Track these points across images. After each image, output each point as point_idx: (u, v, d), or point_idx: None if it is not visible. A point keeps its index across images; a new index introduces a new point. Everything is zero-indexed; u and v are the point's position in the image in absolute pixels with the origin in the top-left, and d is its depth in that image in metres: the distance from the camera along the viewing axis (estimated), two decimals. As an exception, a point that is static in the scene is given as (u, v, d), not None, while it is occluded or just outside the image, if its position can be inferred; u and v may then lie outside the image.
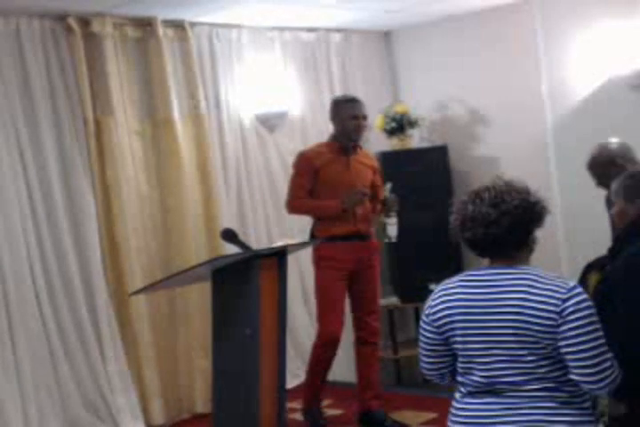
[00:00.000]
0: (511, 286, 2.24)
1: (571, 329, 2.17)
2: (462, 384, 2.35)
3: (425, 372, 2.49)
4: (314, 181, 4.46)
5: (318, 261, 4.50)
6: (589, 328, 2.18)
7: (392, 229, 4.55)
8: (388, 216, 4.55)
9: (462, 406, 2.33)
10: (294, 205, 4.55)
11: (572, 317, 2.17)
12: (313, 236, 4.53)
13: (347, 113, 4.49)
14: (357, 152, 4.58)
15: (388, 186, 4.56)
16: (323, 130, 5.70)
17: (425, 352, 2.43)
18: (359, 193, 4.41)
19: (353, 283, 4.52)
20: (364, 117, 4.54)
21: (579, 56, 5.42)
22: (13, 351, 4.41)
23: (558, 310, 2.17)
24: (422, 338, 2.41)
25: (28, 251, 4.51)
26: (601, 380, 2.19)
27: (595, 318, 2.20)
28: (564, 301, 2.18)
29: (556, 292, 2.19)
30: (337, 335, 4.45)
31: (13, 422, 4.35)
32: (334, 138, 4.57)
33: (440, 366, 2.43)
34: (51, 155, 4.65)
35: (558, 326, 2.17)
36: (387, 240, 4.62)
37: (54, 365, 4.56)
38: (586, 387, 2.22)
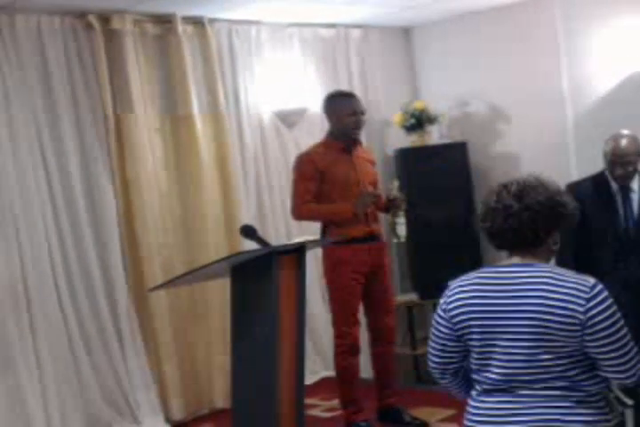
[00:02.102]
0: (530, 283, 2.22)
1: (600, 330, 2.16)
2: (477, 382, 2.34)
3: (431, 366, 2.46)
4: (320, 184, 4.34)
5: (335, 264, 4.37)
6: (617, 326, 2.18)
7: (401, 229, 4.49)
8: (396, 215, 4.47)
9: (477, 405, 2.32)
10: (302, 211, 4.37)
11: (600, 317, 2.16)
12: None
13: (345, 109, 4.36)
14: (357, 148, 4.48)
15: (396, 184, 4.47)
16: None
17: (435, 345, 2.41)
18: (371, 195, 4.33)
19: (368, 284, 4.44)
20: (363, 113, 4.43)
21: (599, 52, 5.39)
22: (35, 348, 4.45)
23: (582, 309, 2.16)
24: (435, 332, 2.40)
25: (49, 248, 4.55)
26: (633, 373, 2.21)
27: (618, 314, 2.19)
28: (588, 300, 2.16)
29: (579, 291, 2.18)
30: (358, 341, 4.41)
31: (36, 419, 4.39)
32: (332, 136, 4.45)
33: (446, 361, 2.41)
34: (71, 152, 4.68)
35: (583, 325, 2.16)
36: (395, 240, 4.56)
37: (75, 361, 4.60)
38: (616, 381, 2.23)
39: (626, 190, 4.01)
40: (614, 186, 4.02)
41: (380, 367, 4.58)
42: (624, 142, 3.97)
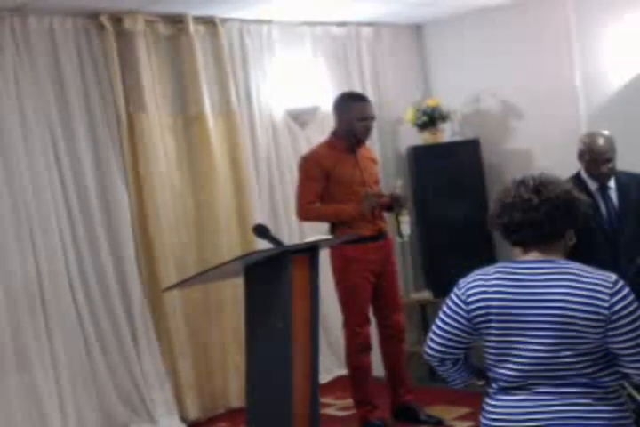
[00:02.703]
0: (553, 279, 2.22)
1: (623, 325, 2.16)
2: (494, 380, 2.33)
3: (430, 353, 2.42)
4: (325, 184, 4.33)
5: (344, 264, 4.36)
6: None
7: (405, 228, 4.45)
8: (400, 214, 4.43)
9: (495, 403, 2.31)
10: (307, 212, 4.37)
11: (624, 312, 2.16)
12: None
13: (356, 113, 4.34)
14: (360, 147, 4.47)
15: (399, 183, 4.47)
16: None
17: (442, 333, 2.37)
18: (376, 196, 4.34)
19: (377, 282, 4.45)
20: (373, 118, 4.43)
21: (612, 47, 5.36)
22: (50, 349, 4.47)
23: (606, 305, 2.16)
24: (445, 320, 2.36)
25: (63, 249, 4.57)
26: None
27: None
28: (612, 295, 2.17)
29: (602, 286, 2.18)
30: (369, 340, 4.42)
31: (52, 419, 4.41)
32: (337, 135, 4.43)
33: (450, 351, 2.38)
34: (85, 152, 4.69)
35: (606, 320, 2.16)
36: (399, 239, 4.53)
37: (91, 361, 4.62)
38: (638, 377, 2.23)
39: (604, 189, 4.00)
40: (592, 186, 4.00)
41: (393, 366, 4.58)
42: (601, 141, 3.97)
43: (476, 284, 2.32)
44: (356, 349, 4.39)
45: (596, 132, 4.09)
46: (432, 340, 2.41)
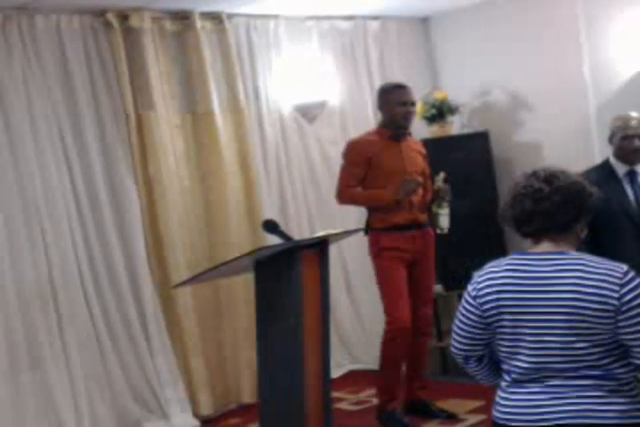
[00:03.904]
0: (564, 270, 2.22)
1: (634, 316, 2.16)
2: (507, 372, 2.32)
3: (455, 352, 2.45)
4: (366, 170, 4.39)
5: (380, 252, 4.39)
6: None
7: (444, 220, 4.44)
8: (440, 206, 4.45)
9: (507, 396, 2.31)
10: (346, 196, 4.45)
11: (634, 302, 2.16)
12: (369, 226, 4.45)
13: (395, 99, 4.42)
14: (407, 139, 4.53)
15: (442, 175, 4.47)
16: (362, 119, 5.71)
17: (461, 332, 2.39)
18: (413, 182, 4.33)
19: (411, 272, 4.45)
20: (413, 104, 4.48)
21: (621, 39, 5.33)
22: (63, 348, 4.49)
23: (617, 295, 2.15)
24: (462, 318, 2.37)
25: (74, 249, 4.58)
26: None
27: None
28: (622, 286, 2.16)
29: (613, 277, 2.18)
30: (408, 326, 4.34)
31: (66, 417, 4.43)
32: (383, 125, 4.51)
33: (471, 348, 2.40)
34: (94, 152, 4.70)
35: (617, 311, 2.15)
36: (438, 231, 4.49)
37: (103, 360, 4.63)
38: None
39: (633, 175, 3.99)
40: (621, 171, 3.99)
41: (413, 359, 4.55)
42: (634, 118, 3.97)
43: (486, 277, 2.32)
44: (394, 336, 4.34)
45: (626, 113, 4.06)
46: (454, 338, 2.44)
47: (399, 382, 4.46)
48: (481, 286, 2.32)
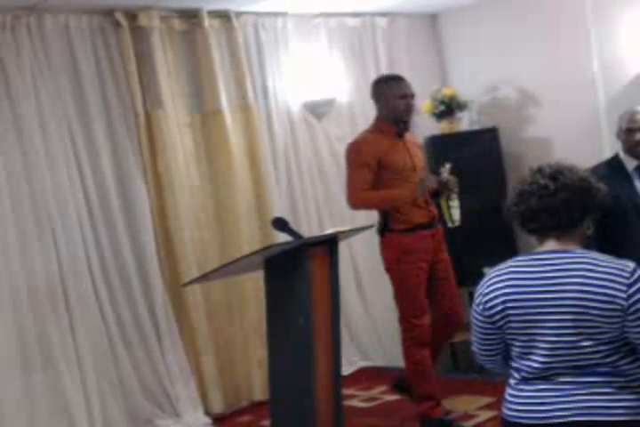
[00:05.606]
0: (569, 270, 2.20)
1: None
2: (517, 370, 2.31)
3: (478, 357, 2.47)
4: (376, 170, 4.12)
5: (400, 254, 4.15)
6: None
7: (455, 213, 4.26)
8: (450, 199, 4.24)
9: (516, 393, 2.30)
10: (359, 200, 4.17)
11: None
12: (386, 228, 4.19)
13: (394, 92, 4.19)
14: (406, 130, 4.33)
15: (447, 167, 4.25)
16: (371, 116, 5.66)
17: (478, 339, 2.40)
18: (433, 180, 4.13)
19: (432, 272, 4.25)
20: (413, 96, 4.26)
21: (630, 34, 5.31)
22: (75, 347, 4.50)
23: (624, 295, 2.14)
24: (476, 322, 2.37)
25: (85, 248, 4.59)
26: None
27: None
28: (630, 286, 2.14)
29: (620, 276, 2.16)
30: (427, 333, 4.18)
31: (78, 415, 4.45)
32: (382, 121, 4.27)
33: (493, 352, 2.40)
34: (103, 150, 4.71)
35: (625, 310, 2.14)
36: (450, 224, 4.29)
37: (114, 356, 4.65)
38: None
39: None
40: (630, 166, 3.97)
41: (433, 352, 4.32)
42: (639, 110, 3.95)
43: (491, 282, 2.31)
44: (414, 343, 4.18)
45: (633, 108, 4.04)
46: (473, 341, 2.44)
47: (436, 382, 4.26)
48: (487, 290, 2.31)
